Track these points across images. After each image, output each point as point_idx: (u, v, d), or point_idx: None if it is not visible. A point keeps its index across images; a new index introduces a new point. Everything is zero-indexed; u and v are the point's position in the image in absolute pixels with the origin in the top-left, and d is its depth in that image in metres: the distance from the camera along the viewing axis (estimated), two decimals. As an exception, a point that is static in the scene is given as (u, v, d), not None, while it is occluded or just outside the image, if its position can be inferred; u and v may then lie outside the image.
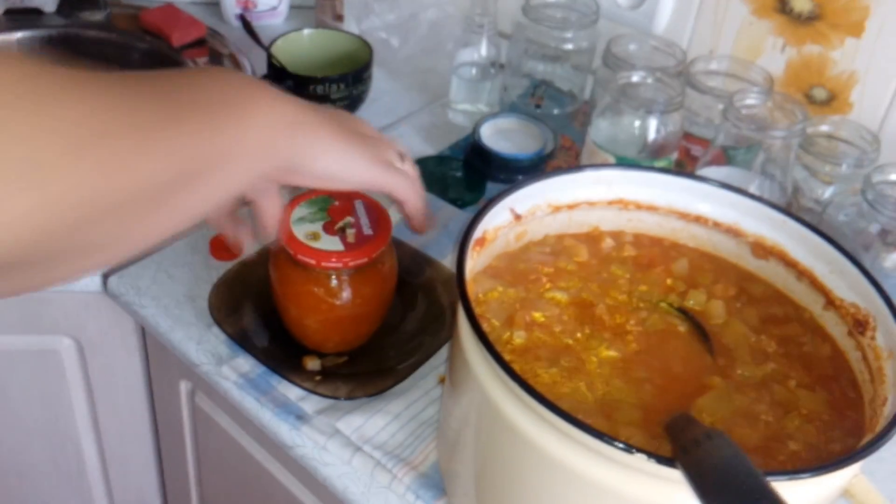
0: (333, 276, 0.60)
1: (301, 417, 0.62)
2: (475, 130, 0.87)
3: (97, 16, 1.04)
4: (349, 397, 0.62)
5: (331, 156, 0.48)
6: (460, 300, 0.47)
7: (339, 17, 1.06)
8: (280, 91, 0.45)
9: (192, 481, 0.89)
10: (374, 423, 0.61)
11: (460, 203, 0.83)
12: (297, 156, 0.46)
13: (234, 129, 0.40)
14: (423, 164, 0.88)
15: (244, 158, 0.41)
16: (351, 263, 0.59)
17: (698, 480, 0.33)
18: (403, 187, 0.53)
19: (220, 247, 0.75)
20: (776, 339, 0.50)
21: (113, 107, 0.33)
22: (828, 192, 0.67)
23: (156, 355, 0.82)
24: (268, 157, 0.43)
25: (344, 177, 0.49)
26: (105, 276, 0.73)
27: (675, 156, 0.73)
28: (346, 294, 0.61)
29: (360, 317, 0.63)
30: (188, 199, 0.38)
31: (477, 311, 0.54)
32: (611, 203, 0.58)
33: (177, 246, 0.76)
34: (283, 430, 0.62)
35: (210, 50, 1.01)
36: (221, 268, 0.72)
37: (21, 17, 1.01)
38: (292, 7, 1.09)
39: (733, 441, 0.34)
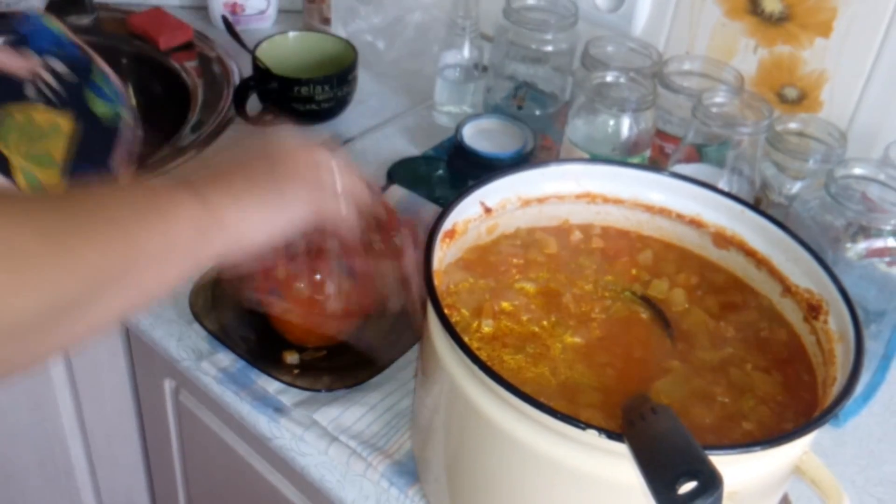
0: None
1: (279, 410, 0.63)
2: (458, 131, 0.88)
3: (84, 20, 1.05)
4: (328, 389, 0.64)
5: (261, 227, 0.47)
6: (427, 290, 0.48)
7: (326, 21, 1.08)
8: (203, 179, 0.46)
9: (179, 479, 0.90)
10: (351, 413, 0.63)
11: (444, 202, 0.85)
12: (230, 237, 0.46)
13: (153, 233, 0.41)
14: (408, 164, 0.90)
15: (174, 255, 0.43)
16: None
17: (638, 451, 0.34)
18: (339, 221, 0.52)
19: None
20: (735, 325, 0.51)
21: (22, 223, 0.35)
22: (796, 188, 0.69)
23: (140, 355, 0.83)
24: (200, 248, 0.44)
25: (283, 234, 0.49)
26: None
27: (648, 153, 0.75)
28: (333, 292, 0.61)
29: (345, 314, 0.64)
30: (114, 301, 0.40)
31: (447, 301, 0.55)
32: (579, 197, 0.59)
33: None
34: (262, 422, 0.63)
35: (197, 54, 1.03)
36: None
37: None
38: (281, 11, 1.11)
39: (676, 415, 0.36)
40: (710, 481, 0.32)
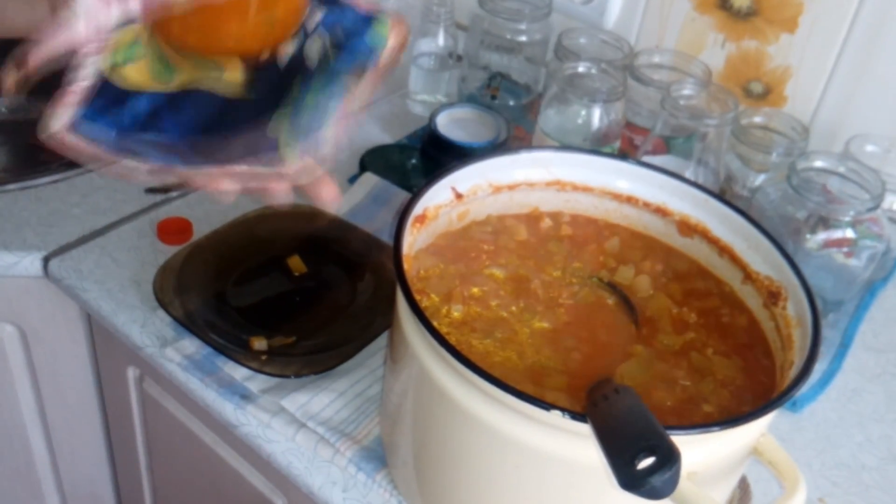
0: None
1: (246, 397, 0.63)
2: (431, 120, 0.88)
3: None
4: (296, 375, 0.63)
5: None
6: (396, 274, 0.49)
7: (301, 10, 1.07)
8: None
9: (143, 468, 0.89)
10: (319, 400, 0.63)
11: (415, 190, 0.85)
12: None
13: None
14: (382, 152, 0.90)
15: None
16: None
17: (600, 429, 0.35)
18: None
19: (168, 230, 0.76)
20: (697, 311, 0.53)
21: None
22: (759, 180, 0.70)
23: (102, 342, 0.82)
24: None
25: None
26: (46, 260, 0.73)
27: (618, 144, 0.76)
28: None
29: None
30: None
31: (417, 286, 0.56)
32: (549, 184, 0.60)
33: (122, 230, 0.76)
34: (228, 409, 0.63)
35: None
36: (169, 252, 0.72)
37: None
38: (254, -1, 1.11)
39: (637, 394, 0.36)
40: (668, 456, 0.33)
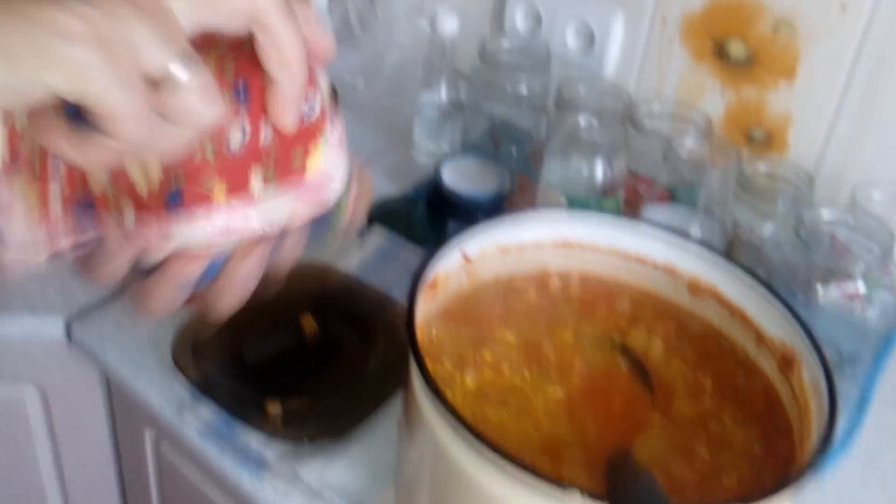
0: None
1: (262, 464, 0.63)
2: (436, 172, 0.89)
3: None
4: (311, 440, 0.64)
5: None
6: (410, 346, 0.49)
7: (304, 61, 1.09)
8: None
9: (160, 530, 0.88)
10: (335, 467, 0.63)
11: (424, 243, 0.85)
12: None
13: None
14: (389, 205, 0.90)
15: None
16: None
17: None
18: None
19: (184, 292, 0.77)
20: (712, 376, 0.53)
21: None
22: (767, 229, 0.70)
23: (120, 403, 0.82)
24: None
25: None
26: (69, 324, 0.74)
27: (622, 194, 0.76)
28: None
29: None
30: None
31: (430, 351, 0.56)
32: (556, 244, 0.60)
33: (141, 292, 0.77)
34: (245, 478, 0.63)
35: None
36: (186, 311, 0.73)
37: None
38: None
39: (657, 481, 0.36)
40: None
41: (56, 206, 0.34)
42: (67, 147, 0.29)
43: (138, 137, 0.29)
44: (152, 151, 0.31)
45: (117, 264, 0.35)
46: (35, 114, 0.30)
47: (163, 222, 0.34)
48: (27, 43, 0.26)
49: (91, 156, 0.29)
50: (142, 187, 0.34)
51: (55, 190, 0.33)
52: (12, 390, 0.83)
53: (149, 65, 0.28)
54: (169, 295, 0.35)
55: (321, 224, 0.39)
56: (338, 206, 0.38)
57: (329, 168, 0.36)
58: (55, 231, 0.34)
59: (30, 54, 0.26)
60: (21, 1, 0.26)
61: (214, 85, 0.30)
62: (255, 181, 0.35)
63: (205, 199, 0.34)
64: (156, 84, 0.28)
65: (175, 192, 0.34)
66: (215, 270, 0.36)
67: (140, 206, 0.34)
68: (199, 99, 0.29)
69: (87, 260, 0.36)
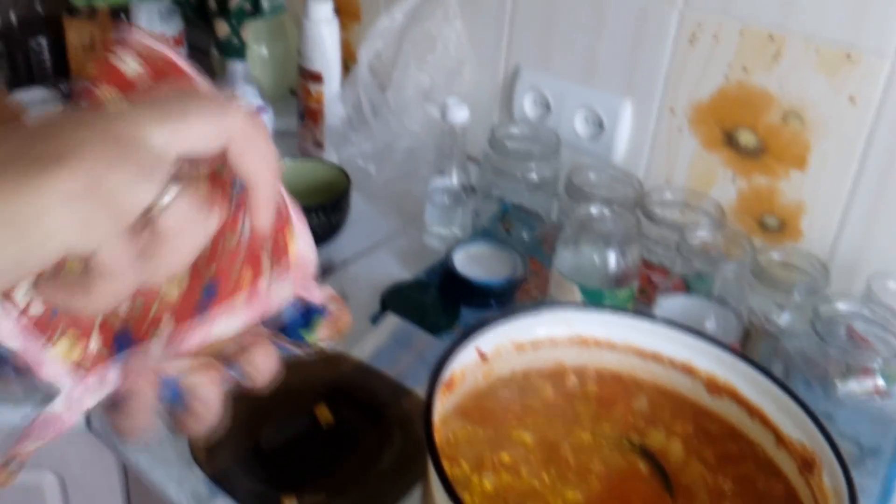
0: None
1: (278, 561, 0.62)
2: (448, 257, 0.90)
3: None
4: (326, 538, 0.63)
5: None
6: (428, 449, 0.49)
7: (320, 144, 1.11)
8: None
9: None
10: (351, 565, 0.61)
11: (436, 330, 0.86)
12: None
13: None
14: (400, 291, 0.91)
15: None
16: None
17: None
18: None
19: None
20: (732, 478, 0.52)
21: None
22: (784, 318, 0.70)
23: (137, 493, 0.82)
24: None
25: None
26: (89, 412, 0.75)
27: (636, 284, 0.76)
28: None
29: None
30: None
31: (447, 452, 0.56)
32: (572, 340, 0.60)
33: (158, 381, 0.78)
34: (260, 576, 0.62)
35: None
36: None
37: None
38: (276, 133, 1.15)
39: None
40: None
41: (95, 343, 0.35)
42: (83, 303, 0.31)
43: (142, 270, 0.31)
44: (165, 270, 0.32)
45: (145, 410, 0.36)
46: (38, 280, 0.32)
47: (201, 322, 0.36)
48: (38, 208, 0.28)
49: (102, 301, 0.31)
50: (172, 294, 0.35)
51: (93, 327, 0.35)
52: (31, 477, 0.83)
53: (140, 202, 0.30)
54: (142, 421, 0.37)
55: (295, 335, 0.40)
56: (311, 332, 0.40)
57: (305, 250, 0.38)
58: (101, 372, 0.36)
59: (38, 220, 0.28)
60: (21, 161, 0.28)
61: (203, 198, 0.32)
62: (266, 265, 0.37)
63: (237, 287, 0.36)
64: (150, 214, 0.30)
65: (209, 286, 0.36)
66: (175, 390, 0.37)
67: (174, 311, 0.36)
68: (190, 214, 0.31)
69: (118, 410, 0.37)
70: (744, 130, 0.80)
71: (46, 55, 1.20)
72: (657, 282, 0.77)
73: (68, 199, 0.28)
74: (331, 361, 0.79)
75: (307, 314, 0.40)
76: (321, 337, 0.40)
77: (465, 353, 0.58)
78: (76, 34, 1.14)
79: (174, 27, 1.14)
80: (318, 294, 0.40)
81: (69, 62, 1.16)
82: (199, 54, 1.21)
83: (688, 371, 0.57)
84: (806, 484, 0.49)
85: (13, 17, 1.18)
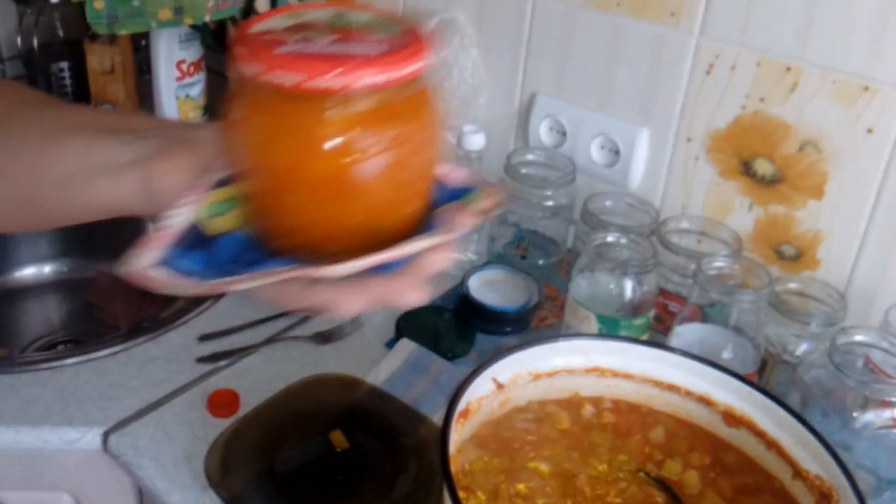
0: (334, 107, 0.34)
1: (292, 588, 0.62)
2: (463, 283, 0.90)
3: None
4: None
5: None
6: (444, 480, 0.49)
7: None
8: None
9: None
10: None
11: (451, 355, 0.86)
12: None
13: None
14: (416, 315, 0.91)
15: None
16: (366, 81, 0.34)
17: None
18: None
19: (217, 404, 0.78)
20: (750, 512, 0.52)
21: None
22: (801, 348, 0.70)
23: (152, 518, 0.82)
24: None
25: None
26: (105, 435, 0.75)
27: (652, 312, 0.76)
28: (357, 137, 0.35)
29: (381, 181, 0.36)
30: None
31: (463, 482, 0.55)
32: (588, 370, 0.60)
33: (176, 403, 0.79)
34: None
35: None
36: (218, 425, 0.74)
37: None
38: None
39: None
40: None
41: None
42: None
43: None
44: None
45: None
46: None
47: None
48: None
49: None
50: None
51: None
52: (48, 497, 0.83)
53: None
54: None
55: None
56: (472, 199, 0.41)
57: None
58: None
59: None
60: None
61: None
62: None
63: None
64: None
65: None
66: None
67: None
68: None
69: None
70: (761, 160, 0.80)
71: (68, 80, 1.22)
72: (674, 310, 0.77)
73: None
74: (346, 386, 0.79)
75: (459, 194, 0.41)
76: (485, 207, 0.40)
77: (480, 383, 0.58)
78: (97, 59, 1.16)
79: (194, 52, 1.16)
80: (462, 175, 0.42)
81: (90, 87, 1.18)
82: (218, 78, 1.23)
83: (705, 402, 0.57)
84: (825, 519, 0.49)
85: (35, 42, 1.20)
